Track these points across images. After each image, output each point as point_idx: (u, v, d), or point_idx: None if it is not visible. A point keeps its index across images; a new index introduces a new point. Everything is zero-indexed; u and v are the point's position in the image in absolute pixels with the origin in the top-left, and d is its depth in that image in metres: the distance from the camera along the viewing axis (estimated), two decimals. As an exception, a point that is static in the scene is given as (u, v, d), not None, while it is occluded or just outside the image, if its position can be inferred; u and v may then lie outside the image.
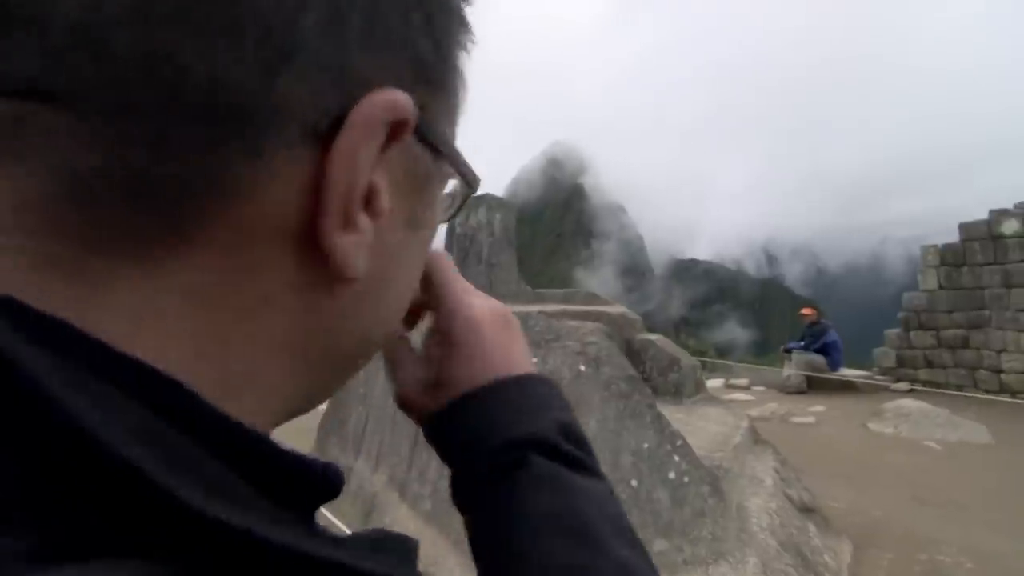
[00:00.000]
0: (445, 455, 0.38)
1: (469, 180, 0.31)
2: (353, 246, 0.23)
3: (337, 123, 0.21)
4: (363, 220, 0.23)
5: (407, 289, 0.30)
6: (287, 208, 0.21)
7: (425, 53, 0.24)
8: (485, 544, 0.36)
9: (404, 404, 0.41)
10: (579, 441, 0.38)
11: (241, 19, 0.19)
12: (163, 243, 0.20)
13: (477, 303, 0.40)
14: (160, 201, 0.19)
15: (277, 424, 0.27)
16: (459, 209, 0.34)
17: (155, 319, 0.20)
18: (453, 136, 0.29)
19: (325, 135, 0.21)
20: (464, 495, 0.37)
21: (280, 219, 0.21)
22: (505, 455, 0.35)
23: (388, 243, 0.25)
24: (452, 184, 0.32)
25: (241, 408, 0.21)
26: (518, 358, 0.39)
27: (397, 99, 0.22)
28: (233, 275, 0.21)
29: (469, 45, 0.28)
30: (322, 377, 0.27)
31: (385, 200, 0.24)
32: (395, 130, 0.23)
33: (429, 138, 0.25)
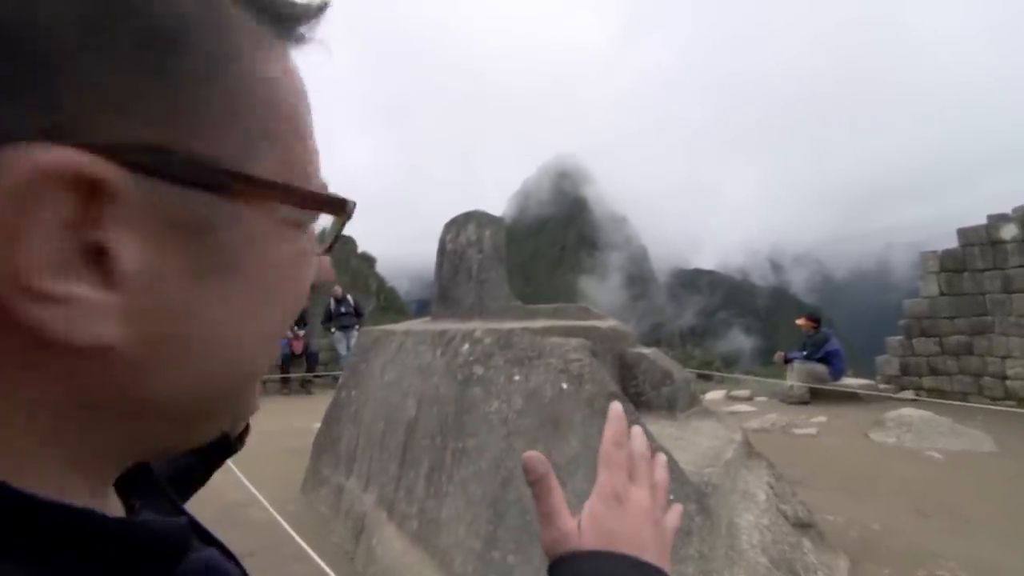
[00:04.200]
0: None
1: (319, 205, 0.29)
2: (58, 316, 0.22)
3: None
4: (68, 287, 0.22)
5: (225, 339, 0.28)
6: None
7: (154, 110, 0.23)
8: None
9: (546, 546, 0.47)
10: None
11: None
12: None
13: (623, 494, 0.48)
14: None
15: (118, 471, 0.29)
16: (336, 239, 0.33)
17: None
18: (264, 153, 0.27)
19: None
20: None
21: None
22: None
23: (165, 300, 0.24)
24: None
25: (40, 476, 0.24)
26: (624, 541, 0.45)
27: (40, 164, 0.20)
28: None
29: (275, 47, 0.27)
30: (160, 431, 0.28)
31: (130, 261, 0.23)
32: (93, 191, 0.21)
33: (194, 183, 0.24)
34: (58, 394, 0.24)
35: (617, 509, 0.46)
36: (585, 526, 0.46)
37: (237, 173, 0.25)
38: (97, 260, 0.22)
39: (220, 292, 0.26)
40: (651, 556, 0.45)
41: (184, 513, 0.34)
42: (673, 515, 0.51)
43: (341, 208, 0.30)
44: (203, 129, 0.24)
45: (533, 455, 0.47)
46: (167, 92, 0.23)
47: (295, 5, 0.27)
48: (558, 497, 0.47)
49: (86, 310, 0.22)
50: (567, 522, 0.46)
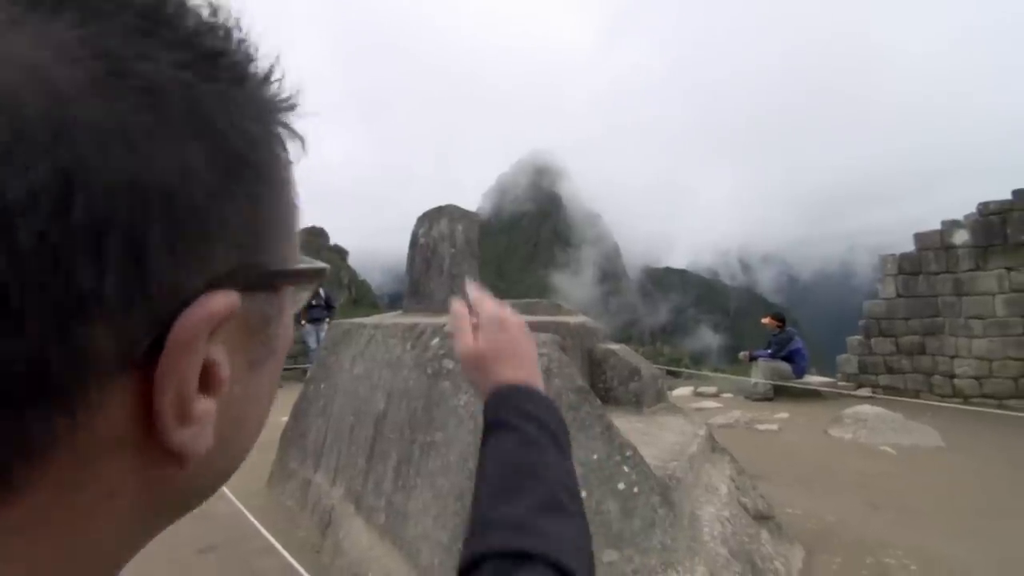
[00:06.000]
0: (485, 413, 0.59)
1: (315, 278, 0.32)
2: (192, 436, 0.24)
3: (157, 341, 0.22)
4: (200, 406, 0.24)
5: (261, 415, 0.31)
6: (121, 427, 0.22)
7: (244, 233, 0.25)
8: (479, 461, 0.55)
9: (464, 365, 0.66)
10: (563, 433, 0.58)
11: (17, 300, 0.18)
12: None
13: (510, 316, 0.67)
14: None
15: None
16: (313, 295, 0.37)
17: None
18: (288, 247, 0.29)
19: (145, 357, 0.22)
20: (484, 436, 0.57)
21: (115, 438, 0.22)
22: (514, 419, 0.55)
23: (233, 395, 0.26)
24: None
25: None
26: (536, 378, 0.63)
27: (212, 311, 0.23)
28: (72, 492, 0.22)
29: (297, 154, 0.29)
30: (177, 517, 0.29)
31: (225, 368, 0.25)
32: (220, 324, 0.23)
33: (265, 288, 0.27)
34: (145, 501, 0.24)
35: (501, 327, 0.65)
36: (483, 340, 0.64)
37: (286, 271, 0.28)
38: (205, 374, 0.24)
39: (263, 373, 0.29)
40: (527, 353, 0.64)
41: None
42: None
43: (324, 275, 0.32)
44: (267, 240, 0.26)
45: (460, 301, 0.68)
46: (258, 220, 0.25)
47: (291, 98, 0.28)
48: (469, 326, 0.66)
49: (210, 423, 0.24)
50: (470, 338, 0.65)
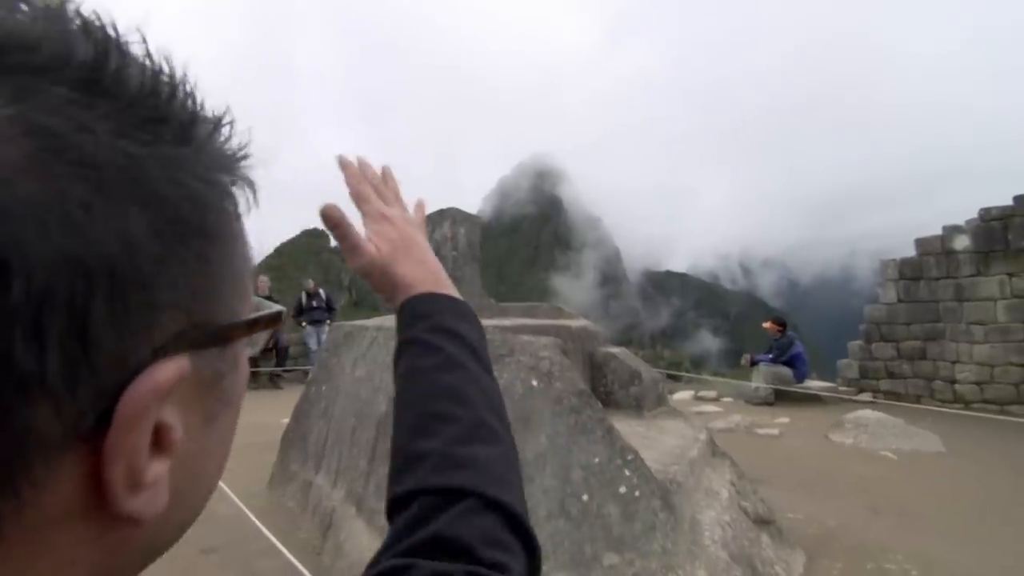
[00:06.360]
0: (399, 328, 0.56)
1: (269, 324, 0.31)
2: (145, 501, 0.24)
3: (104, 413, 0.22)
4: (152, 471, 0.24)
5: (219, 464, 0.31)
6: (71, 500, 0.22)
7: (193, 294, 0.24)
8: (397, 383, 0.53)
9: (370, 280, 0.60)
10: (482, 345, 0.56)
11: None
12: None
13: (395, 218, 0.61)
14: None
15: None
16: (269, 339, 0.35)
17: None
18: (241, 297, 0.29)
19: (92, 430, 0.22)
20: (399, 352, 0.55)
21: (64, 512, 0.22)
22: (431, 337, 0.53)
23: (188, 452, 0.26)
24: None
25: None
26: (443, 277, 0.61)
27: (159, 382, 0.22)
28: (26, 566, 0.22)
29: (252, 205, 0.29)
30: (142, 568, 0.28)
31: (178, 430, 0.25)
32: (169, 392, 0.23)
33: (216, 344, 0.26)
34: (106, 563, 0.25)
35: (388, 225, 0.60)
36: (378, 244, 0.59)
37: (237, 324, 0.28)
38: (157, 437, 0.24)
39: (219, 425, 0.29)
40: (422, 244, 0.62)
41: None
42: (419, 210, 0.67)
43: (279, 320, 0.32)
44: (219, 296, 0.26)
45: (329, 205, 0.57)
46: (207, 279, 0.25)
47: (242, 148, 0.28)
48: (355, 233, 0.59)
49: (163, 486, 0.25)
50: (367, 248, 0.58)
